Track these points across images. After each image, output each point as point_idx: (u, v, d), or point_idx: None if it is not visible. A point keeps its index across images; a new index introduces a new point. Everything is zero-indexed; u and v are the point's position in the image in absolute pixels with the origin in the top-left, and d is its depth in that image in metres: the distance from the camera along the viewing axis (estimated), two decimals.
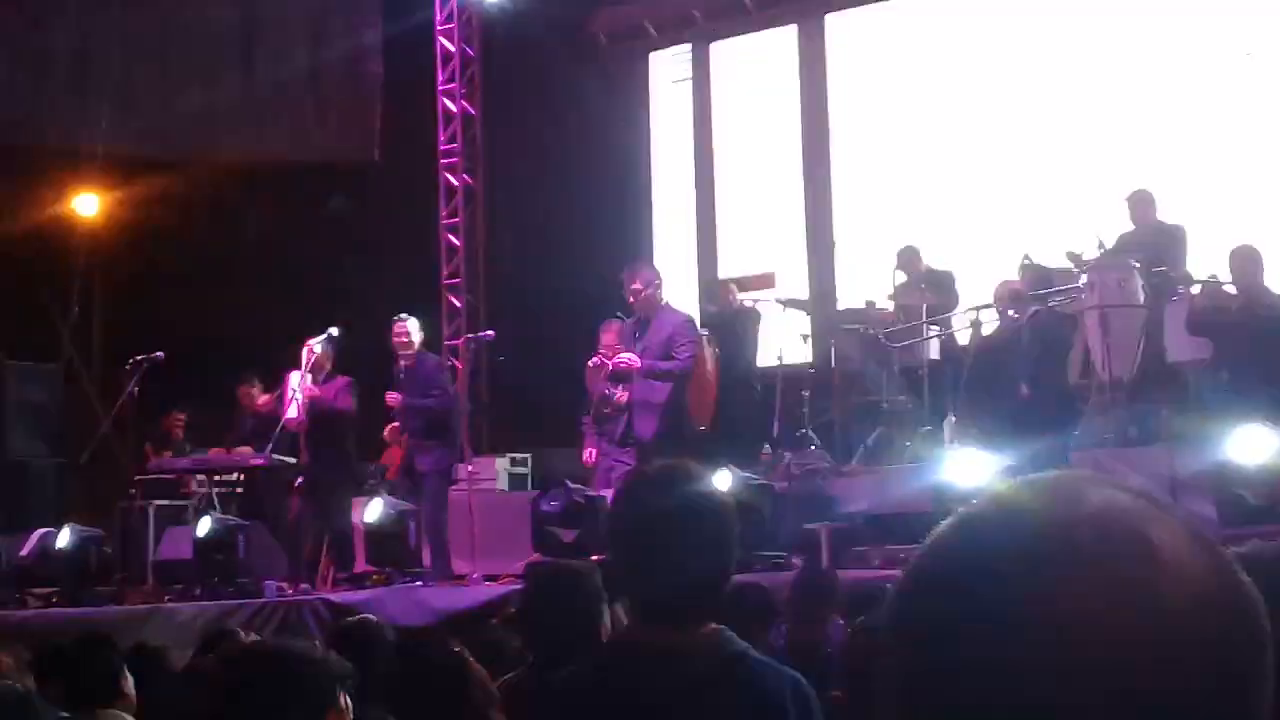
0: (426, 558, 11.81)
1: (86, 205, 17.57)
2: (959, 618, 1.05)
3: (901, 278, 13.23)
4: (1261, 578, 1.09)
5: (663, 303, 11.49)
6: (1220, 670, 1.03)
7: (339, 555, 12.40)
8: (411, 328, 12.49)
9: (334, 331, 12.80)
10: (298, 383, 12.58)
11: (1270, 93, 14.11)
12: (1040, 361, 11.43)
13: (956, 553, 1.09)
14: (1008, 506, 1.10)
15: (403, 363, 12.50)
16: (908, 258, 13.54)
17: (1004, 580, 1.04)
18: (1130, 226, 12.53)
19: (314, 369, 12.70)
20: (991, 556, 1.06)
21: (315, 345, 12.66)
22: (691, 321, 11.51)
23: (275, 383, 13.26)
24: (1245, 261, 11.22)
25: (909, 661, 1.09)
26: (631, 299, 11.44)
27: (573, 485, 11.34)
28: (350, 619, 6.97)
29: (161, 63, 17.81)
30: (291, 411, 12.54)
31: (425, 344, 12.81)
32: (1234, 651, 1.04)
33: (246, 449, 13.05)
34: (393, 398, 12.55)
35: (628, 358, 11.18)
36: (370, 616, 6.56)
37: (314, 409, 12.48)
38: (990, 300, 12.32)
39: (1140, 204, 12.55)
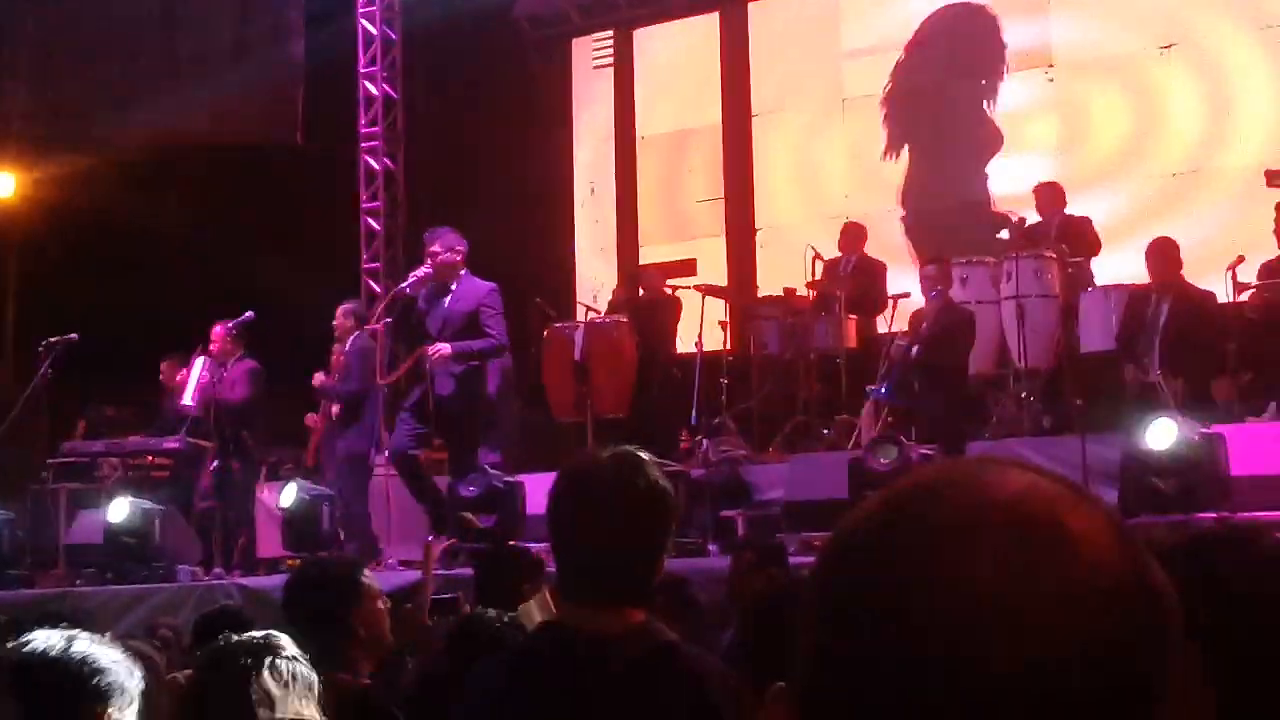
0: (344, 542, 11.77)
1: (2, 185, 17.36)
2: (872, 600, 1.05)
3: (820, 266, 13.34)
4: (1167, 566, 1.10)
5: (463, 271, 11.19)
6: (1128, 656, 1.04)
7: (236, 541, 12.42)
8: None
9: (249, 315, 12.77)
10: (201, 368, 12.56)
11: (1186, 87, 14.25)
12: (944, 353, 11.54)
13: (871, 535, 1.09)
14: (923, 490, 1.11)
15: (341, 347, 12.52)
16: (851, 236, 13.64)
17: (916, 563, 1.04)
18: (1038, 218, 12.69)
19: (221, 354, 12.66)
20: (904, 539, 1.06)
21: (223, 330, 12.67)
22: (497, 292, 11.17)
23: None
24: (1159, 256, 11.37)
25: (823, 643, 1.09)
26: (429, 262, 11.12)
27: (492, 471, 11.32)
28: (212, 608, 6.98)
29: (79, 40, 17.62)
30: (187, 399, 12.54)
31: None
32: (1143, 638, 1.05)
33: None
34: (317, 379, 12.53)
35: (437, 349, 10.88)
36: (231, 605, 6.58)
37: (205, 398, 12.46)
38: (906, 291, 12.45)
39: (1048, 195, 12.72)
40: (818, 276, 13.35)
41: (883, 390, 11.79)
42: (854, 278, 13.19)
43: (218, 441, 12.71)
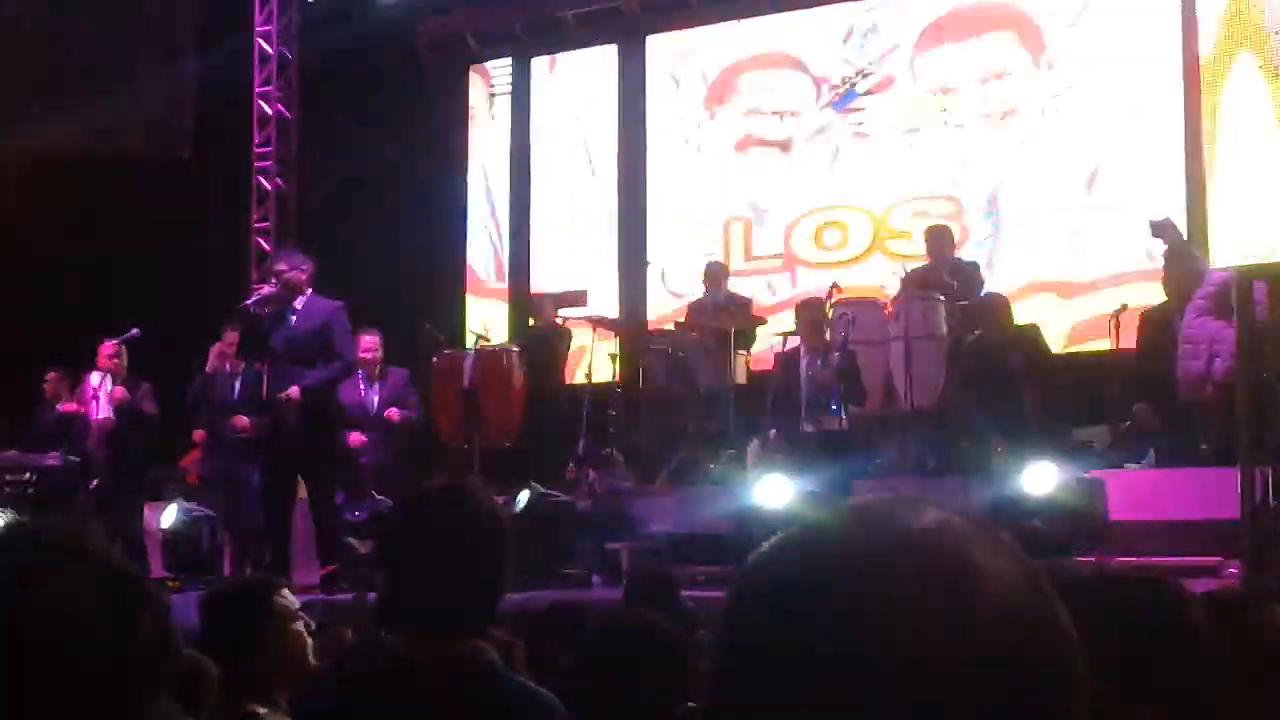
0: (226, 564, 11.65)
1: None
2: (777, 631, 1.07)
3: (701, 294, 13.46)
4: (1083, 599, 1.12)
5: (308, 290, 11.05)
6: (1031, 691, 1.06)
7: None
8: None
9: (135, 333, 12.67)
10: (99, 383, 12.42)
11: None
12: (848, 389, 11.63)
13: (778, 575, 1.11)
14: (836, 525, 1.12)
15: None
16: (713, 273, 13.75)
17: (822, 596, 1.06)
18: (926, 260, 12.85)
19: (114, 371, 12.55)
20: (810, 578, 1.08)
21: (113, 346, 12.54)
22: (344, 310, 11.07)
23: (76, 381, 13.06)
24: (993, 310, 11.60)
25: (730, 683, 1.10)
26: (274, 280, 11.05)
27: (379, 496, 11.26)
28: None
29: None
30: (102, 412, 12.40)
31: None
32: (1046, 674, 1.07)
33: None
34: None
35: (286, 395, 10.70)
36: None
37: (121, 411, 12.33)
38: (794, 326, 12.54)
39: (938, 239, 12.88)
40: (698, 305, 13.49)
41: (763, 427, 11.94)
42: (725, 312, 13.29)
43: (113, 457, 12.58)
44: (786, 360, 12.21)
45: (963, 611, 1.05)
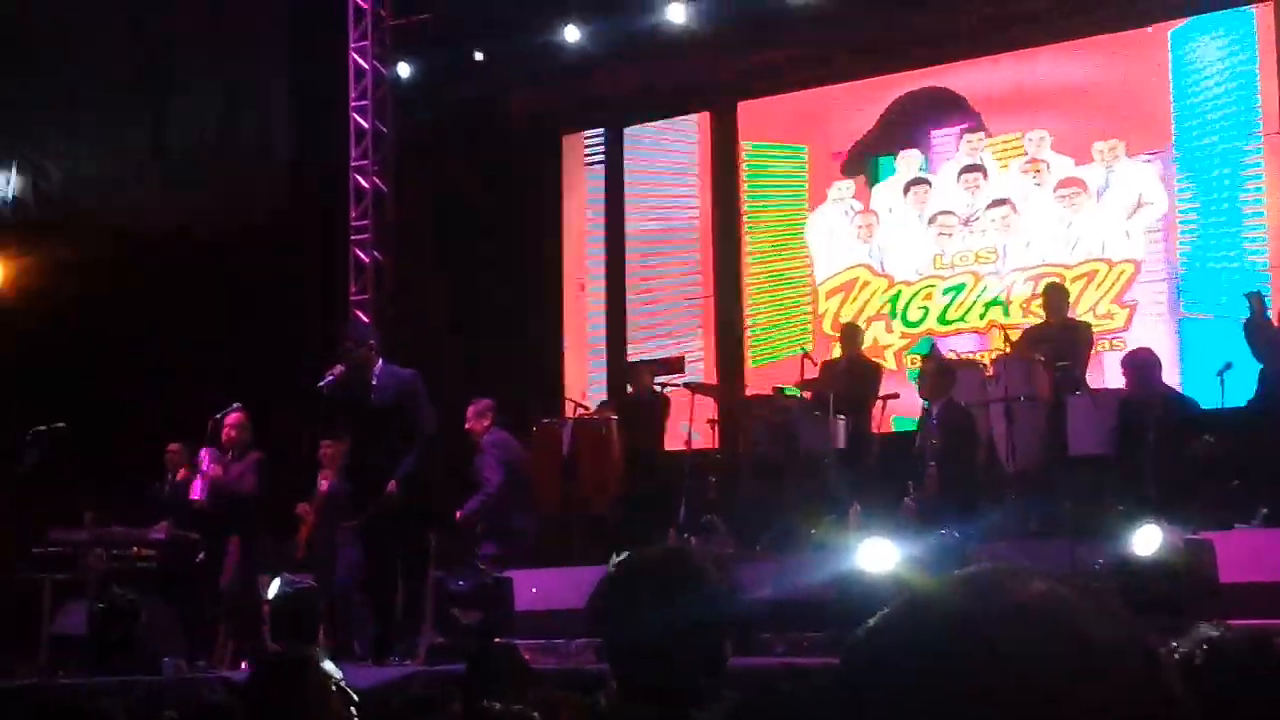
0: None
1: None
2: (889, 713, 1.07)
3: (814, 363, 13.39)
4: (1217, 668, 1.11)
5: (379, 362, 11.18)
6: None
7: (245, 633, 12.31)
8: None
9: (237, 406, 12.80)
10: (205, 460, 12.58)
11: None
12: (948, 453, 11.54)
13: (888, 646, 1.11)
14: (936, 600, 1.12)
15: None
16: (850, 335, 13.69)
17: (931, 675, 1.06)
18: (1042, 317, 12.80)
19: (225, 445, 12.68)
20: (919, 651, 1.08)
21: (236, 418, 12.68)
22: (419, 378, 11.15)
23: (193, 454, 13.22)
24: (1143, 367, 11.48)
25: None
26: (342, 354, 11.17)
27: (482, 566, 11.28)
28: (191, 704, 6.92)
29: (69, 127, 17.71)
30: (198, 492, 12.54)
31: None
32: None
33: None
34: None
35: (386, 498, 10.83)
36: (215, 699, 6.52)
37: (216, 490, 12.46)
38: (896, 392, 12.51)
39: (1056, 297, 12.81)
40: (809, 377, 13.38)
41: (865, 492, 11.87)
42: (849, 375, 13.21)
43: (214, 534, 12.71)
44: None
45: (1071, 684, 1.04)
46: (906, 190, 16.16)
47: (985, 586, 1.12)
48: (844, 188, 16.51)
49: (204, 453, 12.84)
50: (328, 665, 4.60)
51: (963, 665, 1.05)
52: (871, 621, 1.15)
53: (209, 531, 12.85)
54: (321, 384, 11.03)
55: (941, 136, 16.07)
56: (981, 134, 15.81)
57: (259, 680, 4.64)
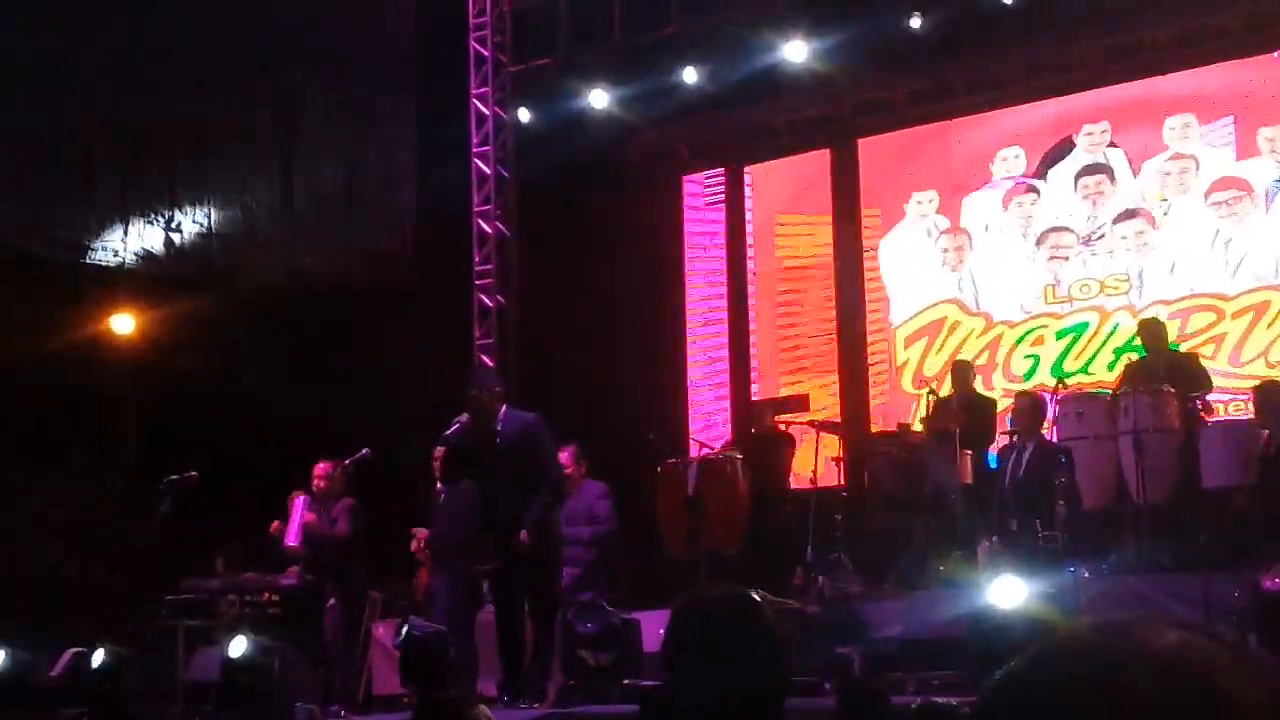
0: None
1: (123, 324, 17.67)
2: None
3: (934, 400, 13.24)
4: None
5: (503, 407, 11.11)
6: None
7: (345, 680, 12.43)
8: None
9: (366, 452, 12.93)
10: (300, 507, 12.72)
11: None
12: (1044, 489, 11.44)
13: (1023, 697, 1.11)
14: (1076, 646, 1.12)
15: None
16: (961, 373, 13.45)
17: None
18: (1143, 353, 12.52)
19: (323, 492, 12.81)
20: (1053, 695, 1.08)
21: (327, 467, 12.81)
22: (542, 421, 11.03)
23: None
24: (1271, 397, 11.31)
25: None
26: (467, 405, 11.09)
27: (609, 608, 11.30)
28: None
29: (199, 178, 18.01)
30: (291, 539, 12.67)
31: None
32: None
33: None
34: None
35: (521, 546, 10.74)
36: None
37: (310, 536, 12.59)
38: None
39: (1152, 331, 12.53)
40: (929, 413, 13.28)
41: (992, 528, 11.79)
42: (966, 412, 13.09)
43: (314, 579, 12.84)
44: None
45: None
46: (1007, 200, 14.50)
47: (1120, 634, 1.12)
48: (926, 200, 15.08)
49: (299, 500, 12.97)
50: (483, 709, 4.67)
51: (1101, 715, 1.05)
52: (1008, 667, 1.15)
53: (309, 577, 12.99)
54: (448, 433, 11.11)
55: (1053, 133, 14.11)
56: (1105, 124, 14.01)
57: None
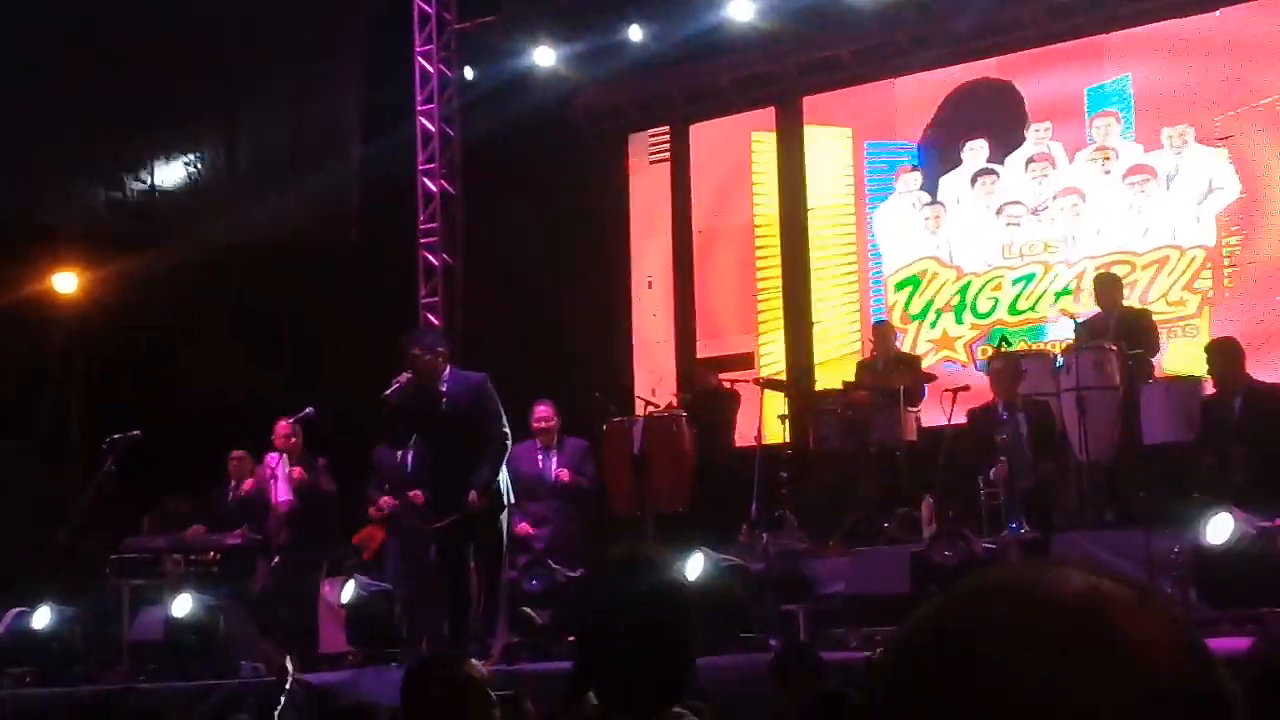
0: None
1: (65, 283, 17.57)
2: (925, 699, 1.07)
3: (870, 355, 13.36)
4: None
5: (447, 369, 10.98)
6: None
7: (305, 636, 12.41)
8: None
9: (309, 411, 12.88)
10: (277, 463, 12.66)
11: None
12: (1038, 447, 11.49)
13: (928, 635, 1.12)
14: (982, 592, 1.13)
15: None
16: (882, 335, 13.67)
17: (965, 666, 1.06)
18: (1095, 309, 12.69)
19: (289, 450, 12.77)
20: (956, 641, 1.08)
21: (290, 425, 12.77)
22: (489, 381, 10.96)
23: (259, 460, 13.33)
24: (1225, 353, 11.40)
25: None
26: (410, 365, 10.92)
27: (554, 565, 11.32)
28: (346, 702, 6.96)
29: (145, 143, 17.90)
30: (282, 494, 12.63)
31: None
32: None
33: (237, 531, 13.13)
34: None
35: (472, 504, 10.73)
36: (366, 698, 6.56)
37: (302, 491, 12.55)
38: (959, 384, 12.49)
39: (1107, 286, 12.72)
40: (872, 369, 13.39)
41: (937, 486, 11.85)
42: (899, 372, 13.15)
43: (294, 535, 12.82)
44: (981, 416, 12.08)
45: (1102, 683, 1.04)
46: (974, 181, 16.09)
47: (1030, 579, 1.12)
48: (911, 180, 16.46)
49: (276, 459, 12.94)
50: (475, 665, 4.66)
51: (990, 669, 1.06)
52: (918, 611, 1.16)
53: (289, 533, 12.95)
54: (388, 393, 10.93)
55: (1006, 128, 16.00)
56: (1048, 124, 15.72)
57: (414, 680, 4.70)
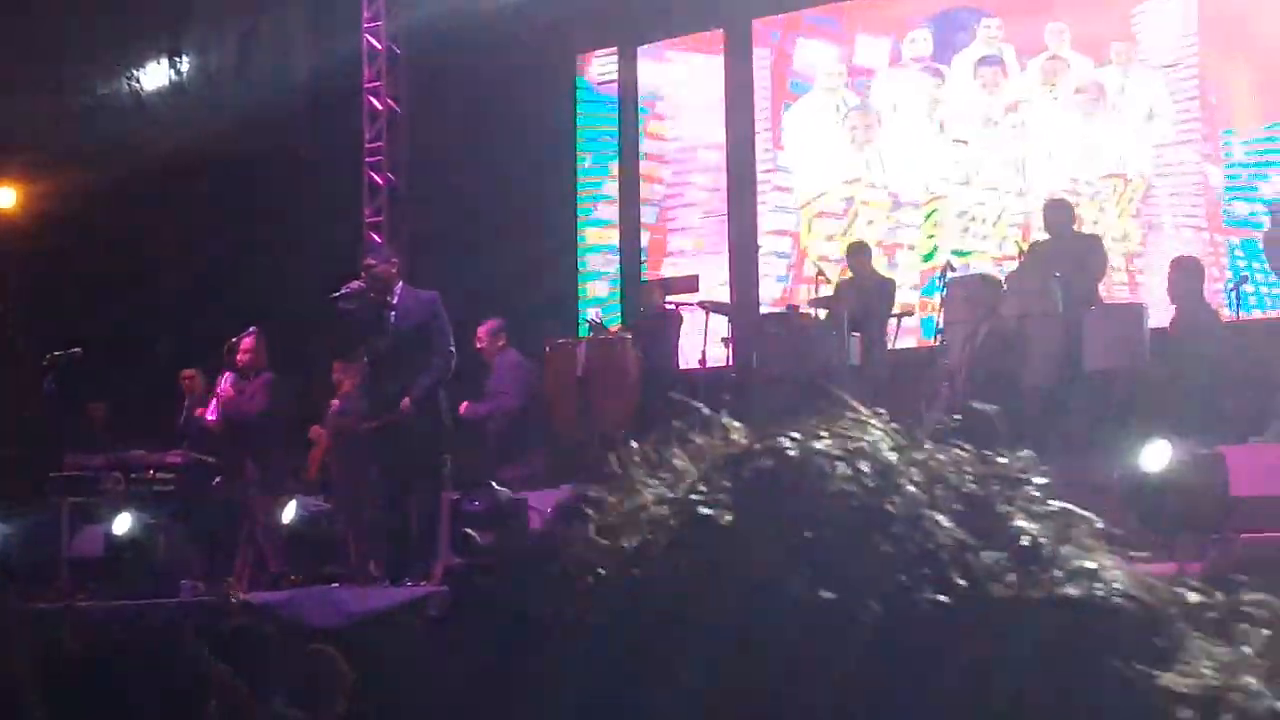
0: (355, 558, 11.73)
1: (3, 198, 17.38)
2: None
3: (835, 274, 13.26)
4: None
5: (399, 284, 11.10)
6: None
7: (256, 556, 12.37)
8: None
9: (252, 330, 12.81)
10: (223, 382, 12.63)
11: None
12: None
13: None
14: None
15: None
16: (856, 254, 13.49)
17: None
18: (1045, 235, 12.60)
19: (241, 368, 12.71)
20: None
21: (252, 339, 12.70)
22: (440, 300, 11.07)
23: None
24: (1182, 274, 11.43)
25: None
26: (363, 275, 11.07)
27: (497, 487, 11.31)
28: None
29: (87, 56, 17.69)
30: (212, 413, 12.58)
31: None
32: None
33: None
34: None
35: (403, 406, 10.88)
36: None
37: (227, 411, 12.49)
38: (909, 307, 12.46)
39: (1057, 212, 12.63)
40: (821, 294, 13.33)
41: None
42: (863, 293, 13.12)
43: (228, 455, 12.75)
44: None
45: None
46: (915, 83, 14.86)
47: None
48: (836, 74, 15.20)
49: (224, 376, 12.87)
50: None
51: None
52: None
53: (224, 453, 12.88)
54: (336, 295, 10.97)
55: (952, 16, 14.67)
56: (999, 20, 14.64)
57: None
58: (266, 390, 12.69)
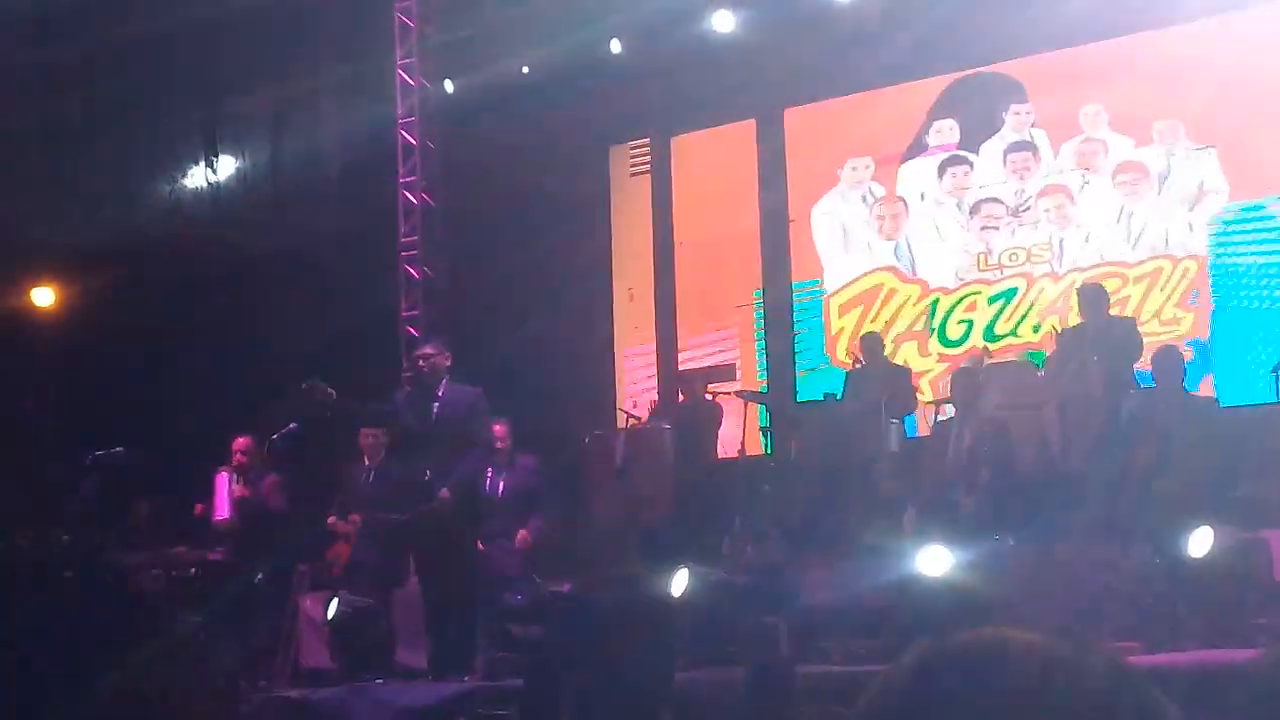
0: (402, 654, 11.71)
1: (43, 297, 17.51)
2: None
3: (859, 367, 13.28)
4: None
5: (446, 379, 11.16)
6: None
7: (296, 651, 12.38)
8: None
9: (293, 427, 12.82)
10: (224, 482, 12.66)
11: None
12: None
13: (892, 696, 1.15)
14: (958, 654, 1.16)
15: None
16: (871, 344, 13.50)
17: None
18: (1080, 320, 12.53)
19: (243, 469, 12.75)
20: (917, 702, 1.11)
21: (246, 442, 12.74)
22: (483, 395, 11.17)
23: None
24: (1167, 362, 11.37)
25: None
26: (421, 363, 11.19)
27: (538, 580, 11.31)
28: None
29: (124, 154, 17.86)
30: (221, 512, 12.60)
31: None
32: None
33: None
34: None
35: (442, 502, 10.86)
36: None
37: (244, 509, 12.53)
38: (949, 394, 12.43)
39: (1091, 298, 12.55)
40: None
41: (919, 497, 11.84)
42: (883, 382, 13.12)
43: (244, 555, 12.78)
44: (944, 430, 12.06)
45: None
46: (942, 171, 14.78)
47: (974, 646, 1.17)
48: (861, 166, 15.09)
49: (220, 478, 12.91)
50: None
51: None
52: (882, 674, 1.21)
53: (242, 550, 12.90)
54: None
55: (983, 106, 14.45)
56: (1029, 105, 14.46)
57: None
58: (278, 490, 12.72)
